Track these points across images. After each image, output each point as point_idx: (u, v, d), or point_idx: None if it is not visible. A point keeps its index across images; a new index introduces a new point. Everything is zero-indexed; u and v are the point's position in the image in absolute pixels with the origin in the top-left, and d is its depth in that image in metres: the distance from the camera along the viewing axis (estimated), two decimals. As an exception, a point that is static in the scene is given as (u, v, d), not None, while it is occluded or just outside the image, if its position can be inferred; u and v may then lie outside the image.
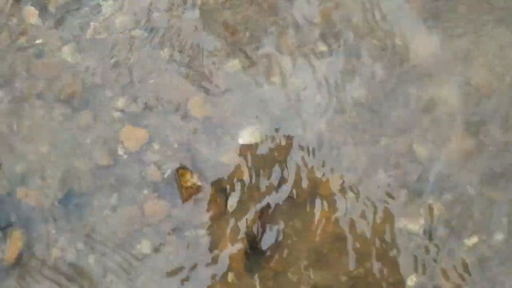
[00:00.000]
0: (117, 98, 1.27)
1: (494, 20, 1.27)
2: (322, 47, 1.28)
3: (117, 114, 1.26)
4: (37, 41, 1.34)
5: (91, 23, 1.34)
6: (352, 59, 1.27)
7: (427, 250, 1.15)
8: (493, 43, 1.25)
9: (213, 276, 1.15)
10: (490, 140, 1.20)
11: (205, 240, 1.17)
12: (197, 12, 1.34)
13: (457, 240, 1.16)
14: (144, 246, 1.18)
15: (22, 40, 1.34)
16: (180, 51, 1.31)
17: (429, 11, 1.29)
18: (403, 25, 1.28)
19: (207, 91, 1.27)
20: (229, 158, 1.22)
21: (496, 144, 1.19)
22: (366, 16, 1.29)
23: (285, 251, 1.16)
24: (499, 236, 1.16)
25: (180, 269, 1.16)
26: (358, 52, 1.27)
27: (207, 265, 1.16)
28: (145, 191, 1.21)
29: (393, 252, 1.15)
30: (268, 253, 1.16)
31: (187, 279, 1.15)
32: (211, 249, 1.17)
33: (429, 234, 1.16)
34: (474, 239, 1.16)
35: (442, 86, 1.24)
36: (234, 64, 1.29)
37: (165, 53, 1.31)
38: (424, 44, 1.27)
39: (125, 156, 1.23)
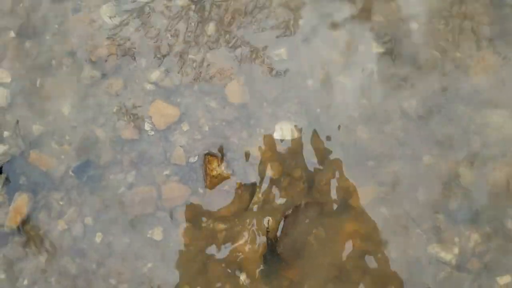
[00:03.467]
0: (152, 69, 1.11)
1: None
2: (378, 48, 1.12)
3: (149, 86, 1.10)
4: (76, -6, 1.19)
5: (135, -15, 1.19)
6: (407, 65, 1.10)
7: (457, 283, 1.00)
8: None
9: (225, 275, 1.01)
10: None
11: (222, 235, 1.03)
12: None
13: (490, 276, 1.01)
14: (156, 232, 1.04)
15: (60, -9, 1.19)
16: (228, 30, 1.15)
17: (499, 28, 1.13)
18: (465, 38, 1.12)
19: (248, 77, 1.11)
20: (260, 152, 1.06)
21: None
22: (425, 21, 1.12)
23: (305, 262, 1.02)
24: (534, 280, 1.01)
25: (191, 261, 1.02)
26: (414, 58, 1.11)
27: (220, 261, 1.02)
28: (166, 172, 1.06)
29: (420, 280, 1.00)
30: (286, 260, 1.01)
31: (197, 273, 1.01)
32: (227, 246, 1.03)
33: (461, 265, 1.01)
34: (507, 278, 1.01)
35: (498, 110, 1.07)
36: (282, 52, 1.13)
37: (210, 28, 1.15)
38: (484, 63, 1.10)
39: (152, 133, 1.08)
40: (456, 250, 1.02)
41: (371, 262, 1.01)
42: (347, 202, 1.04)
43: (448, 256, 1.02)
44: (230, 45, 1.12)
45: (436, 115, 1.08)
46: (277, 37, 1.13)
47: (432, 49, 1.11)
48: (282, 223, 1.03)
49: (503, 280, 1.01)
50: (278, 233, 1.03)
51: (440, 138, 1.07)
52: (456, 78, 1.10)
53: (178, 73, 1.11)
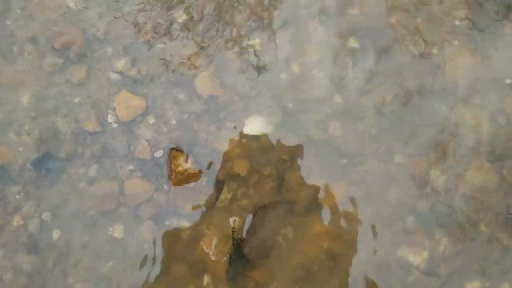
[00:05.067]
0: (117, 58, 1.03)
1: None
2: (354, 43, 1.05)
3: (114, 76, 1.02)
4: (39, -22, 1.10)
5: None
6: (383, 61, 1.04)
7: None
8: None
9: (188, 276, 0.95)
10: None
11: (186, 234, 0.97)
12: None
13: (458, 282, 0.96)
14: (117, 229, 0.96)
15: (23, -26, 1.10)
16: (199, 18, 1.07)
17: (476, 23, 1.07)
18: (446, 37, 1.06)
19: (219, 69, 1.04)
20: (229, 148, 1.00)
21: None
22: (406, 17, 1.06)
23: (272, 262, 0.96)
24: (504, 286, 0.96)
25: (152, 261, 0.95)
26: (390, 54, 1.05)
27: (184, 262, 0.96)
28: (130, 167, 0.99)
29: (388, 284, 0.96)
30: (253, 261, 0.96)
31: (159, 273, 0.95)
32: (191, 245, 0.96)
33: (429, 270, 0.96)
34: (476, 284, 0.96)
35: (472, 108, 1.02)
36: (255, 43, 1.06)
37: (180, 17, 1.07)
38: (464, 62, 1.05)
39: (115, 125, 1.00)
40: (425, 254, 0.97)
41: (339, 264, 0.96)
42: (317, 201, 0.98)
43: (417, 260, 0.98)
44: (201, 34, 1.05)
45: (410, 112, 1.02)
46: (251, 28, 1.06)
47: (408, 45, 1.05)
48: (249, 222, 0.98)
49: (472, 286, 0.97)
50: (245, 233, 0.97)
51: (413, 136, 1.01)
52: (432, 75, 1.05)
53: (146, 63, 1.03)
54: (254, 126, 1.01)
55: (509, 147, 1.01)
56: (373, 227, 0.98)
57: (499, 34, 1.06)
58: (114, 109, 1.00)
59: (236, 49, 1.04)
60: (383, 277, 0.96)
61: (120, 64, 1.03)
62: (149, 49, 1.04)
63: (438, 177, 1.00)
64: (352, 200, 0.99)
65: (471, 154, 1.01)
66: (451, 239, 0.98)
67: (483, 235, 0.98)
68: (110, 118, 1.00)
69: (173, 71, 1.03)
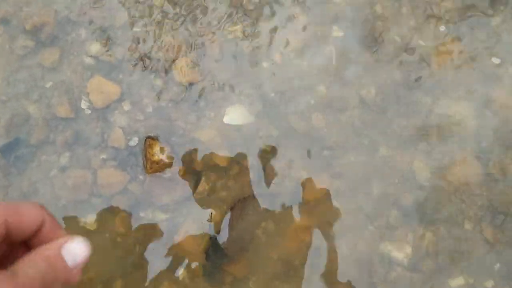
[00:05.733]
0: (92, 41, 0.98)
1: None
2: (337, 32, 1.01)
3: (88, 60, 0.97)
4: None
5: None
6: (367, 51, 1.00)
7: (408, 284, 0.92)
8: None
9: (163, 270, 0.90)
10: (499, 174, 0.97)
11: (162, 226, 0.92)
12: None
13: (442, 278, 0.93)
14: (89, 220, 0.91)
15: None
16: (176, 3, 1.02)
17: (464, 16, 1.03)
18: (429, 25, 1.02)
19: (199, 55, 0.99)
20: (208, 137, 0.95)
21: (507, 179, 0.96)
22: (392, 6, 1.02)
23: (251, 256, 0.92)
24: (488, 283, 0.93)
25: (126, 255, 0.90)
26: (375, 44, 1.01)
27: (159, 255, 0.91)
28: (103, 156, 0.94)
29: (370, 280, 0.92)
30: (231, 255, 0.91)
31: (132, 267, 0.90)
32: (166, 238, 0.91)
33: (412, 265, 0.93)
34: (459, 281, 0.93)
35: (458, 101, 0.99)
36: (236, 30, 1.01)
37: (158, 0, 1.02)
38: (450, 53, 1.01)
39: (88, 111, 0.95)
40: (408, 250, 0.94)
41: (321, 258, 0.93)
42: (299, 195, 0.94)
43: (400, 255, 0.94)
44: (181, 19, 1.00)
45: (395, 104, 0.99)
46: (232, 14, 1.01)
47: (394, 35, 1.02)
48: (228, 215, 0.93)
49: (456, 282, 0.94)
50: (223, 226, 0.93)
51: (398, 129, 0.98)
52: (417, 66, 1.01)
53: (121, 47, 0.98)
54: (234, 115, 0.96)
55: (495, 140, 0.99)
56: (355, 221, 0.94)
57: (485, 23, 1.03)
58: (88, 94, 0.95)
59: (216, 36, 0.99)
60: (365, 272, 0.93)
61: (95, 48, 0.97)
62: (125, 33, 0.99)
63: (422, 171, 0.97)
64: (335, 193, 0.95)
65: (456, 148, 0.98)
66: (435, 234, 0.95)
67: (467, 230, 0.95)
68: (83, 104, 0.95)
69: (150, 56, 0.98)
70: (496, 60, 1.01)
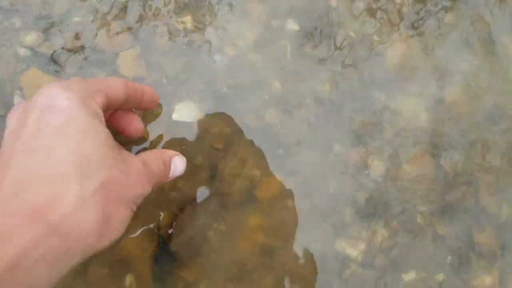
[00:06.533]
0: (27, 30, 0.88)
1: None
2: (293, 25, 0.97)
3: (23, 51, 0.87)
4: None
5: None
6: (323, 45, 0.97)
7: (362, 280, 0.90)
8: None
9: (108, 276, 0.84)
10: (451, 169, 0.96)
11: (107, 230, 0.85)
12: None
13: (395, 273, 0.92)
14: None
15: None
16: (121, -10, 0.94)
17: (420, 11, 1.02)
18: (385, 19, 1.00)
19: (146, 47, 0.91)
20: (155, 135, 0.89)
21: (456, 174, 0.96)
22: (347, 1, 0.99)
23: (203, 260, 0.87)
24: (439, 277, 0.93)
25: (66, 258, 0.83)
26: (330, 39, 0.98)
27: (103, 261, 0.84)
28: (42, 156, 0.85)
29: (325, 279, 0.89)
30: (182, 259, 0.86)
31: (74, 274, 0.83)
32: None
33: (366, 262, 0.91)
34: (412, 275, 0.93)
35: (412, 98, 0.97)
36: (186, 20, 0.95)
37: (100, -14, 0.94)
38: (404, 49, 1.00)
39: (22, 108, 0.86)
40: (362, 246, 0.92)
41: (275, 259, 0.89)
42: (252, 194, 0.90)
43: (354, 252, 0.92)
44: (126, 8, 0.93)
45: (350, 100, 0.96)
46: (182, 3, 0.95)
47: (348, 30, 0.99)
48: (178, 216, 0.88)
49: (408, 276, 0.93)
50: (173, 229, 0.87)
51: (353, 125, 0.95)
52: (372, 62, 0.99)
53: (61, 37, 0.89)
54: (184, 112, 0.90)
55: (447, 137, 0.98)
56: (310, 220, 0.91)
57: (442, 21, 1.02)
58: (21, 89, 0.86)
59: (164, 26, 0.92)
60: (320, 271, 0.90)
61: (30, 38, 0.87)
62: (64, 22, 0.90)
63: (376, 167, 0.95)
64: (289, 192, 0.91)
65: (410, 144, 0.97)
66: (388, 230, 0.94)
67: (420, 225, 0.95)
68: (16, 99, 0.85)
69: (93, 47, 0.89)
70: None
